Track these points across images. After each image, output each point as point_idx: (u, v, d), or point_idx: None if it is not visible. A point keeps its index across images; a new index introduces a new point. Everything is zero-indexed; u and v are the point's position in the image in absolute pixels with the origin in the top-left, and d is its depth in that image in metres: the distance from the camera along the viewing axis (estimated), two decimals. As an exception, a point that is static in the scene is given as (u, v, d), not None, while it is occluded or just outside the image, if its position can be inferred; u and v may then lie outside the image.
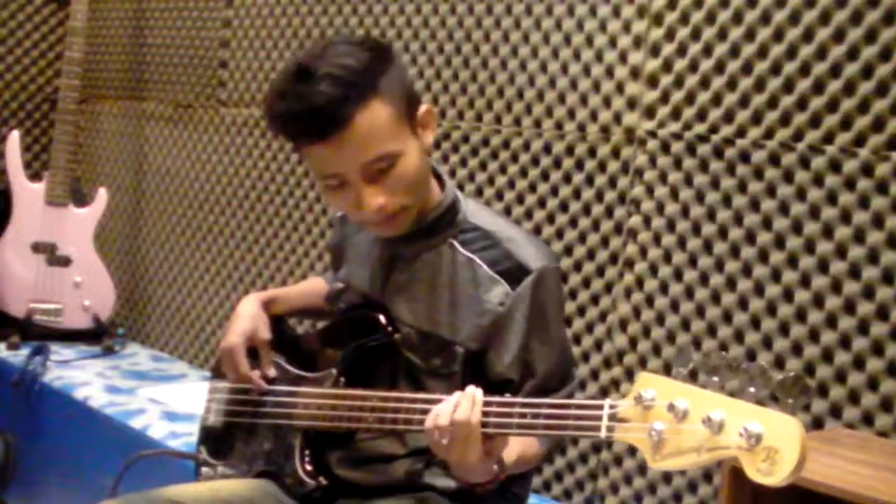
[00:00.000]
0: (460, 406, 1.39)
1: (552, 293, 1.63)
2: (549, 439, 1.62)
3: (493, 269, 1.61)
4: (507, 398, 1.41)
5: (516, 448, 1.52)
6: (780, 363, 2.06)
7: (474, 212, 1.68)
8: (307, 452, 1.69)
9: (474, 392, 1.41)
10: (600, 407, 1.29)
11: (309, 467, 1.68)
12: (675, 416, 1.18)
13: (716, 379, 1.19)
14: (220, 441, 1.85)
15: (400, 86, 1.56)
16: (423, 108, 1.60)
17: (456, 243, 1.65)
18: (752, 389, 1.16)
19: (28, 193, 3.46)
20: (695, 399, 1.18)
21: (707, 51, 2.19)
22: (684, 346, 2.21)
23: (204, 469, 1.84)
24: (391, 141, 1.53)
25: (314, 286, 2.00)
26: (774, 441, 1.10)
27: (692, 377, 1.22)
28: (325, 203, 3.05)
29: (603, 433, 1.28)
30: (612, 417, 1.27)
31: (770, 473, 1.10)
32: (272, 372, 1.78)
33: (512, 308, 1.59)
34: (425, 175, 1.62)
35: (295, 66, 1.52)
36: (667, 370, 1.23)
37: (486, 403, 1.40)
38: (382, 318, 1.68)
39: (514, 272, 1.60)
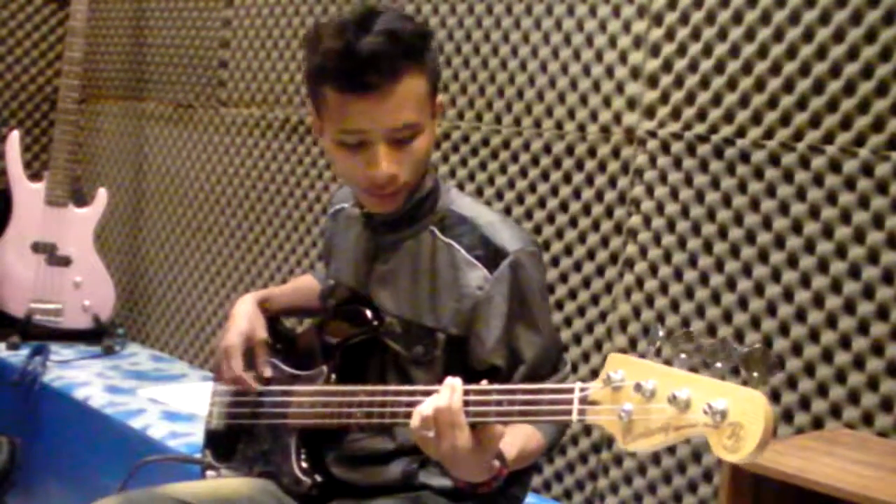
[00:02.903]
0: (440, 394, 1.39)
1: (532, 276, 1.62)
2: (551, 430, 1.62)
3: (471, 253, 1.61)
4: (484, 386, 1.39)
5: (517, 442, 1.52)
6: (780, 363, 2.06)
7: (454, 198, 1.69)
8: (303, 451, 1.70)
9: (453, 381, 1.40)
10: (571, 391, 1.28)
11: (304, 465, 1.69)
12: (643, 395, 1.18)
13: (683, 356, 1.18)
14: (223, 443, 1.85)
15: (435, 66, 1.61)
16: (439, 96, 1.64)
17: (436, 230, 1.65)
18: (718, 364, 1.16)
19: (28, 193, 3.46)
20: (662, 378, 1.17)
21: (707, 51, 2.19)
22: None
23: (209, 472, 1.84)
24: (420, 113, 1.56)
25: (306, 283, 2.00)
26: (739, 417, 1.09)
27: (660, 355, 1.22)
28: (324, 203, 3.05)
29: (574, 416, 1.27)
30: (583, 401, 1.26)
31: (735, 450, 1.09)
32: (268, 372, 1.78)
33: (491, 291, 1.59)
34: (428, 160, 1.64)
35: (352, 16, 1.54)
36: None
37: (465, 392, 1.38)
38: (368, 313, 1.69)
39: (491, 256, 1.60)
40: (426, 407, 1.38)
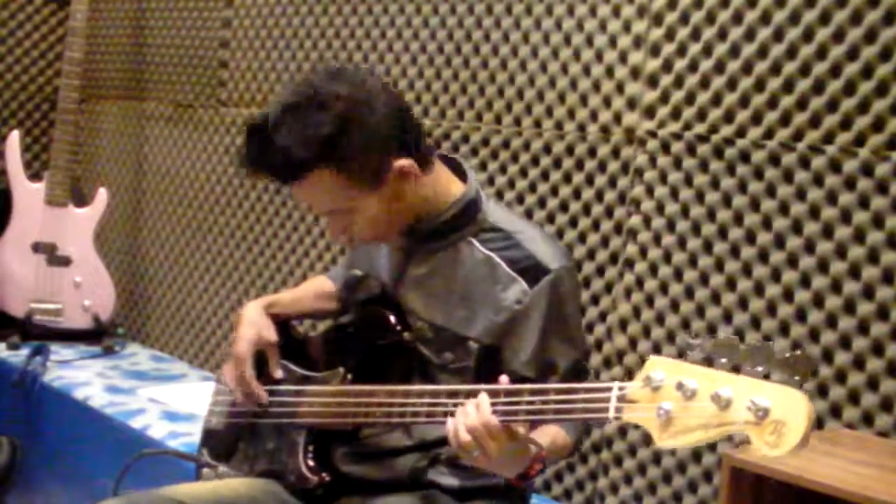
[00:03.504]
0: (467, 416, 1.41)
1: (570, 292, 1.66)
2: (575, 428, 1.64)
3: (512, 267, 1.64)
4: (517, 386, 1.42)
5: (544, 437, 1.54)
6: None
7: (494, 211, 1.71)
8: (311, 449, 1.70)
9: (476, 399, 1.42)
10: (609, 389, 1.30)
11: (311, 463, 1.69)
12: (684, 394, 1.20)
13: (724, 360, 1.20)
14: (222, 443, 1.85)
15: (361, 151, 1.57)
16: (395, 163, 1.60)
17: (475, 241, 1.68)
18: (759, 368, 1.18)
19: (28, 193, 3.46)
20: (703, 378, 1.20)
21: (707, 51, 2.19)
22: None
23: (205, 471, 1.84)
24: (341, 200, 1.61)
25: (315, 287, 2.01)
26: (781, 414, 1.13)
27: (701, 358, 1.23)
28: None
29: (611, 414, 1.29)
30: (621, 399, 1.28)
31: (777, 446, 1.12)
32: (279, 373, 1.79)
33: (529, 306, 1.62)
34: (390, 218, 1.65)
35: (259, 120, 1.60)
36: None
37: (495, 394, 1.41)
38: (392, 318, 1.70)
39: (532, 271, 1.63)
40: (461, 433, 1.41)
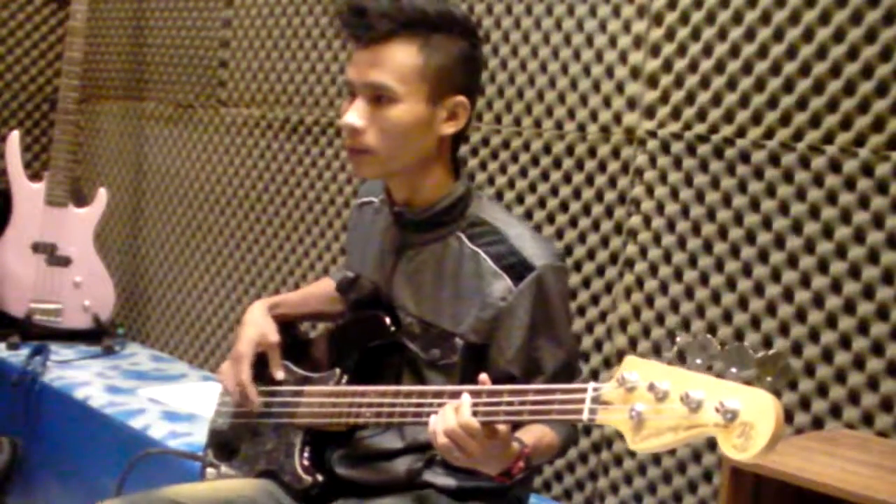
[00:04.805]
0: (445, 419, 1.42)
1: (556, 290, 1.64)
2: (563, 429, 1.63)
3: (498, 263, 1.63)
4: (496, 387, 1.42)
5: (529, 436, 1.54)
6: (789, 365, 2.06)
7: (485, 207, 1.70)
8: (307, 449, 1.71)
9: (457, 400, 1.43)
10: (584, 390, 1.30)
11: (306, 463, 1.70)
12: (656, 395, 1.19)
13: (699, 361, 1.20)
14: (225, 443, 1.86)
15: (446, 59, 1.61)
16: (459, 97, 1.63)
17: (463, 236, 1.67)
18: (734, 370, 1.17)
19: (28, 193, 3.46)
20: (676, 379, 1.18)
21: (707, 51, 2.19)
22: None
23: (208, 470, 1.85)
24: (398, 81, 1.59)
25: (320, 288, 2.01)
26: (750, 416, 1.11)
27: (678, 359, 1.23)
28: (325, 203, 3.05)
29: (585, 416, 1.29)
30: (595, 400, 1.28)
31: (744, 449, 1.10)
32: (281, 374, 1.79)
33: (514, 303, 1.61)
34: (413, 144, 1.63)
35: None
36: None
37: (476, 394, 1.42)
38: (387, 320, 1.70)
39: (517, 268, 1.62)
40: (438, 436, 1.42)
